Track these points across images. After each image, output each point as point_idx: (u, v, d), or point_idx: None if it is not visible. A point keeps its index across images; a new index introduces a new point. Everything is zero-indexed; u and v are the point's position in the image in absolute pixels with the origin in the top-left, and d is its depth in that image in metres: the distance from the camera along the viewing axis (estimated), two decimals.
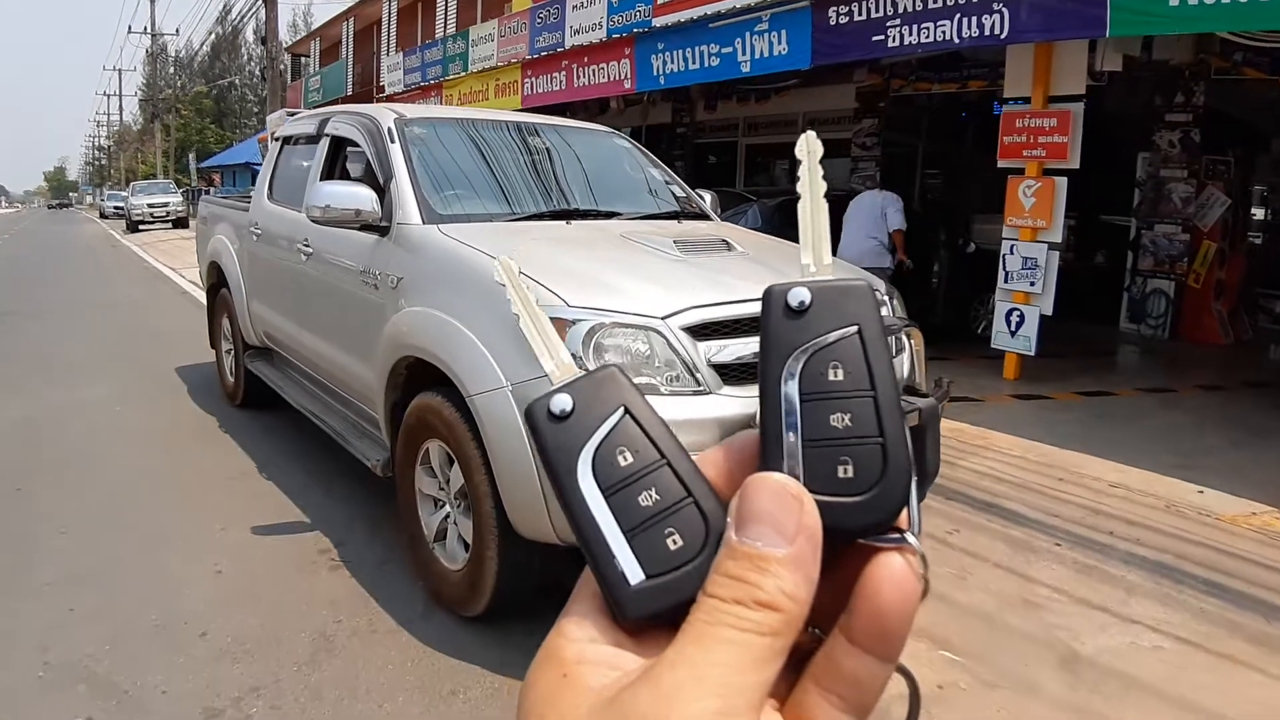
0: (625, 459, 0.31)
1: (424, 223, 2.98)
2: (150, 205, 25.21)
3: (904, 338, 2.73)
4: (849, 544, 0.29)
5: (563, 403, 0.31)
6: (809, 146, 0.33)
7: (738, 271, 2.73)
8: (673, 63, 8.35)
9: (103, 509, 3.74)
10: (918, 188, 11.28)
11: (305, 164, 4.07)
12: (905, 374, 2.77)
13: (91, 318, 9.05)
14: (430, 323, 2.63)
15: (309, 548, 3.33)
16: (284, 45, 28.88)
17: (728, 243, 3.01)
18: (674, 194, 3.91)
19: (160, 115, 45.04)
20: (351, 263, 3.26)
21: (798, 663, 0.29)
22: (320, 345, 3.71)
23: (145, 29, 43.92)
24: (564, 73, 9.75)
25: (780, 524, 0.28)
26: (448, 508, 2.78)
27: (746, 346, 2.40)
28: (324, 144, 3.91)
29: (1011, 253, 6.62)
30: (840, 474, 0.29)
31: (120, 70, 67.00)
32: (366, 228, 3.07)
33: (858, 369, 0.30)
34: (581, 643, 0.30)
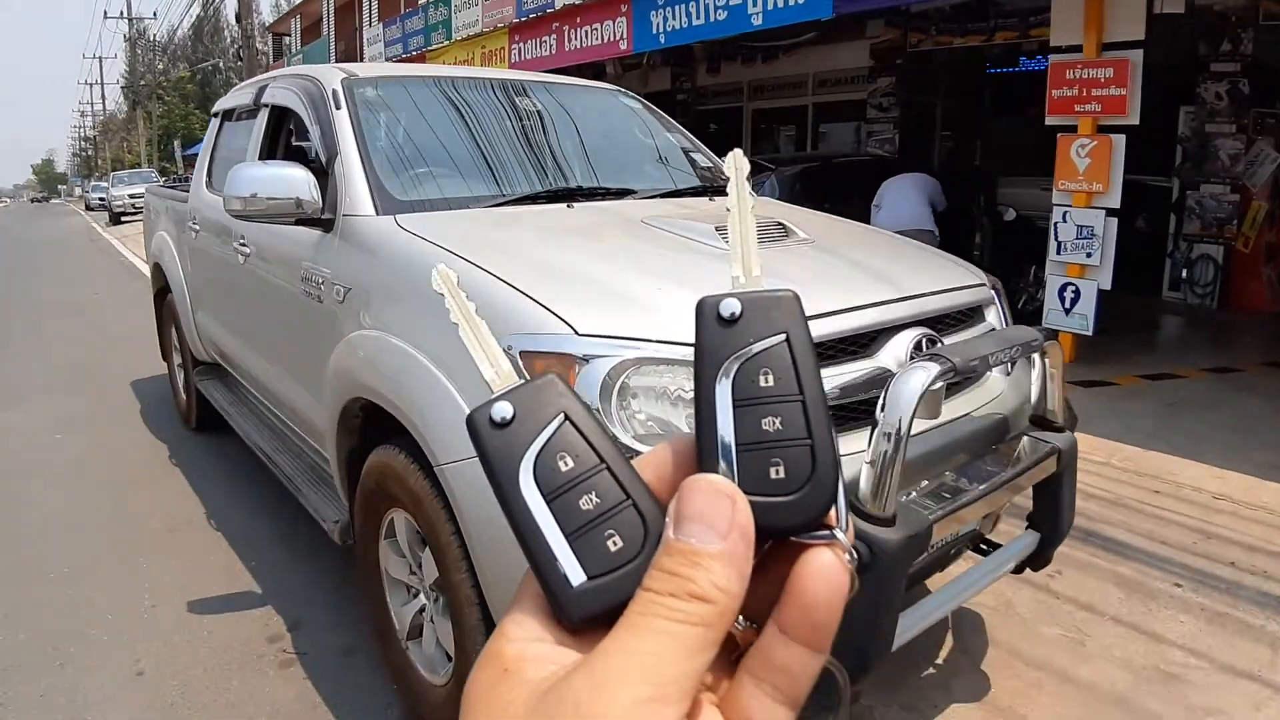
0: (566, 464, 0.31)
1: (379, 213, 2.25)
2: (132, 196, 24.28)
3: (1035, 356, 2.00)
4: (782, 541, 0.31)
5: (503, 410, 0.32)
6: (735, 164, 0.34)
7: (808, 268, 2.00)
8: (674, 19, 7.55)
9: (2, 579, 3.03)
10: (937, 150, 10.48)
11: (246, 144, 3.32)
12: (1036, 398, 2.04)
13: (49, 323, 8.32)
14: (386, 354, 1.91)
15: (257, 633, 2.63)
16: (265, 25, 27.90)
17: (784, 226, 2.27)
18: (698, 164, 3.16)
19: (142, 102, 43.92)
20: (291, 266, 2.52)
21: (734, 659, 0.31)
22: (265, 368, 2.99)
23: (121, 14, 42.76)
24: (554, 36, 8.95)
25: (714, 522, 0.29)
26: (422, 597, 2.07)
27: (840, 376, 1.68)
28: (263, 116, 3.17)
29: (1064, 221, 5.89)
30: (772, 475, 0.31)
31: (100, 58, 65.62)
32: (305, 221, 2.33)
33: (786, 375, 0.31)
34: (523, 641, 0.30)
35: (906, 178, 6.28)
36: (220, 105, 3.95)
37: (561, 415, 0.32)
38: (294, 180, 2.31)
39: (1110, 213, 5.69)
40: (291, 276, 2.53)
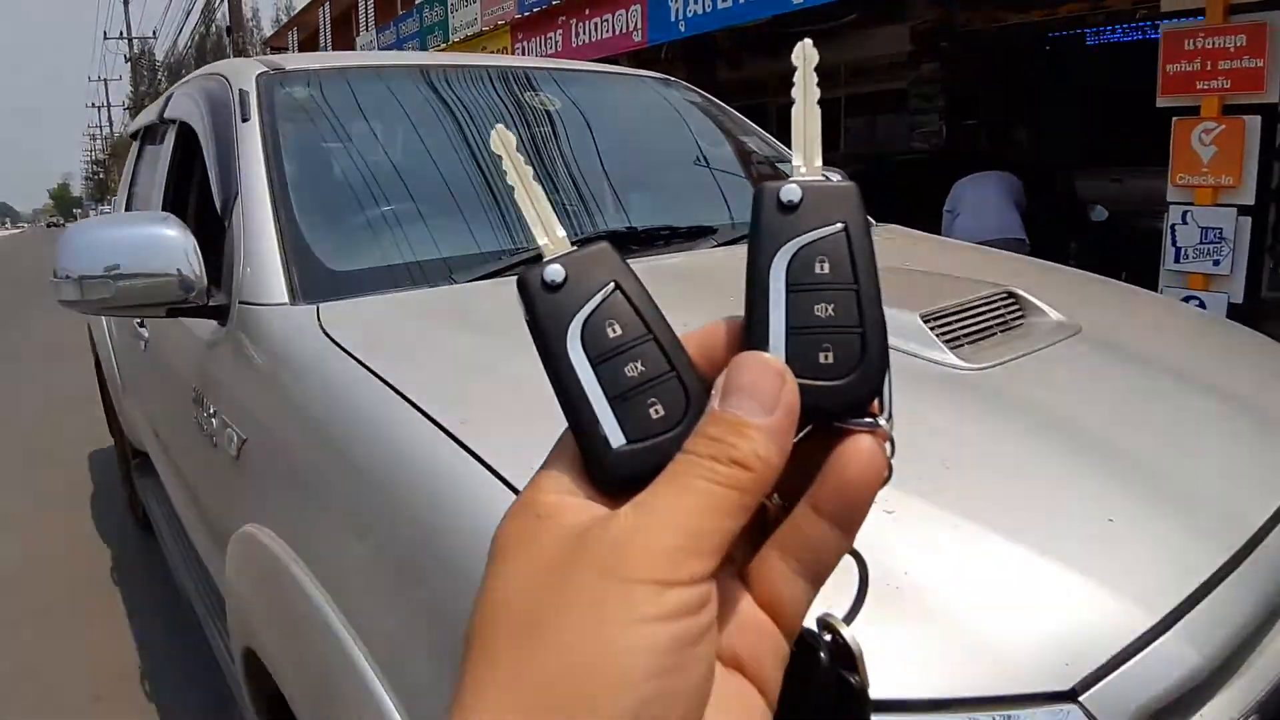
0: (614, 331, 0.31)
1: (295, 299, 1.32)
2: None
3: None
4: (825, 425, 0.31)
5: (555, 273, 0.32)
6: (805, 54, 0.33)
7: (1131, 415, 1.09)
8: (696, 3, 6.58)
9: None
10: (981, 140, 9.46)
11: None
12: None
13: (15, 369, 7.44)
14: (286, 602, 0.97)
15: None
16: (264, 39, 27.16)
17: (1016, 299, 1.36)
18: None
19: None
20: (183, 378, 1.58)
21: (761, 539, 0.31)
22: (182, 505, 2.05)
23: (121, 34, 42.19)
24: (560, 31, 8.03)
25: (762, 396, 0.29)
26: None
27: None
28: (170, 137, 2.22)
29: (1184, 222, 4.89)
30: (821, 359, 0.30)
31: (105, 80, 65.24)
32: (179, 311, 1.39)
33: (842, 264, 0.31)
34: (556, 493, 0.30)
35: (986, 177, 5.28)
36: (136, 123, 3.02)
37: (612, 284, 0.32)
38: (164, 245, 1.37)
39: (1243, 211, 4.70)
40: (184, 395, 1.59)
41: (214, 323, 1.47)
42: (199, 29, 38.25)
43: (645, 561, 0.26)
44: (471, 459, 0.83)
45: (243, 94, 1.68)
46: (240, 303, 1.37)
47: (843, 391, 0.30)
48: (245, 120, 1.62)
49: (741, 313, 0.32)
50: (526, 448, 0.81)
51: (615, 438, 0.30)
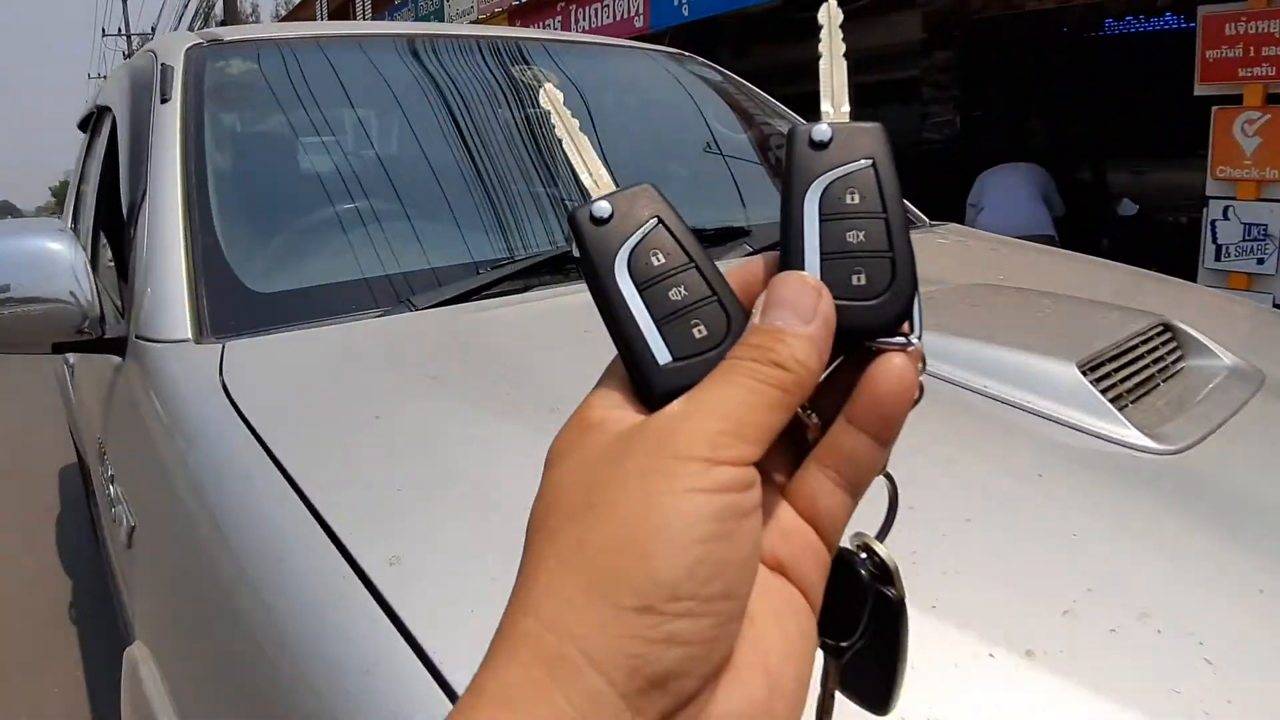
0: (658, 259, 0.33)
1: (201, 335, 1.02)
2: None
3: None
4: (856, 349, 0.32)
5: (602, 209, 0.34)
6: (830, 12, 0.36)
7: None
8: None
9: None
10: (997, 132, 9.11)
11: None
12: None
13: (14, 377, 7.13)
14: None
15: None
16: None
17: (1173, 332, 1.07)
18: None
19: None
20: (93, 420, 1.27)
21: (802, 460, 0.33)
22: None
23: (120, 30, 41.72)
24: (559, 16, 7.69)
25: (800, 308, 0.31)
26: None
27: None
28: (104, 128, 1.91)
29: (1226, 218, 4.59)
30: (854, 282, 0.32)
31: (104, 77, 64.74)
32: (66, 345, 1.08)
33: (871, 195, 0.33)
34: (606, 408, 0.32)
35: (1012, 169, 4.98)
36: (83, 113, 2.70)
37: (655, 218, 0.34)
38: (46, 262, 1.06)
39: None
40: (95, 443, 1.28)
41: (118, 358, 1.16)
42: (196, 25, 37.92)
43: (693, 441, 0.28)
44: (398, 635, 0.52)
45: (165, 70, 1.37)
46: (136, 337, 1.06)
47: (875, 311, 0.32)
48: (165, 101, 1.30)
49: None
50: (476, 618, 0.52)
51: (662, 355, 0.32)
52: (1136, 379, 0.99)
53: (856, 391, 0.31)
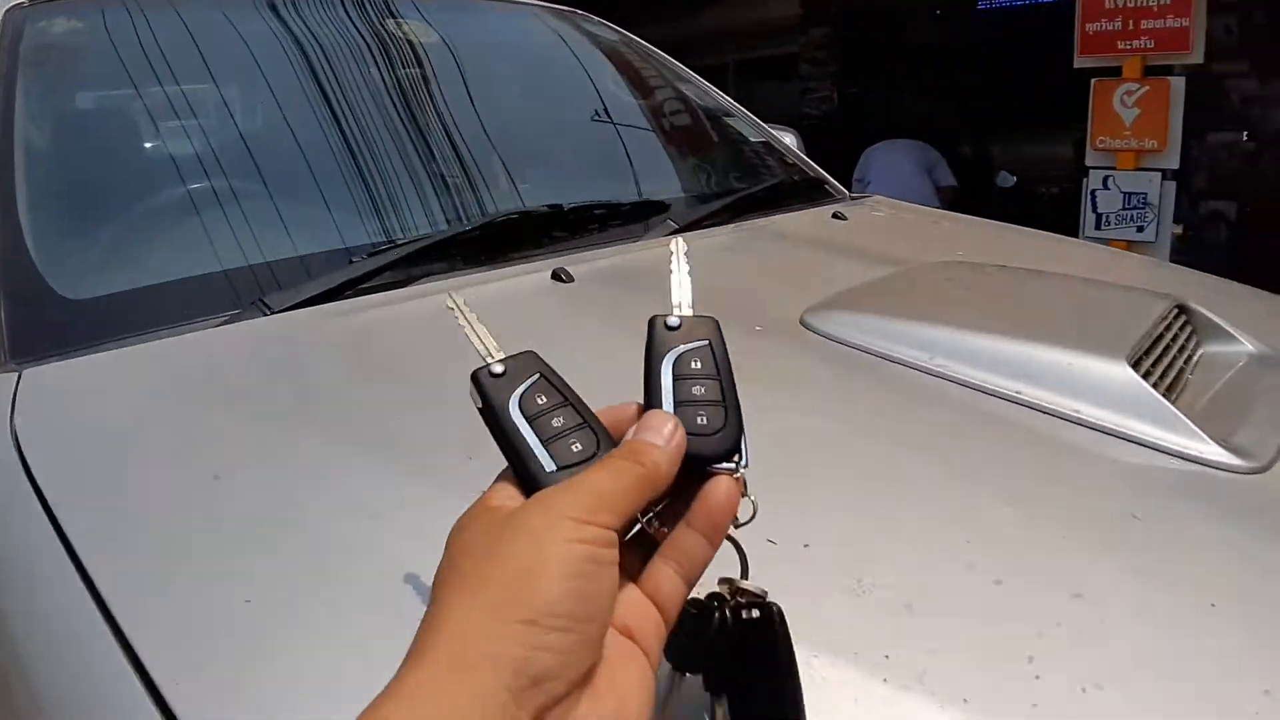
0: (540, 400, 0.43)
1: (4, 358, 0.72)
2: None
3: None
4: (700, 468, 0.41)
5: (498, 369, 0.44)
6: (678, 245, 0.51)
7: None
8: None
9: None
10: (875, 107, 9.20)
11: None
12: None
13: None
14: None
15: None
16: None
17: (1186, 313, 0.89)
18: (747, 140, 1.69)
19: None
20: None
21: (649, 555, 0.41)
22: None
23: None
24: None
25: (662, 433, 0.41)
26: None
27: None
28: None
29: (1106, 187, 4.64)
30: (698, 421, 0.42)
31: None
32: None
33: (709, 363, 0.44)
34: (505, 499, 0.40)
35: (896, 145, 5.00)
36: None
37: (538, 374, 0.44)
38: None
39: (1168, 175, 4.48)
40: None
41: None
42: None
43: (572, 506, 0.37)
44: None
45: None
46: None
47: (713, 443, 0.42)
48: None
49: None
50: None
51: (548, 464, 0.41)
52: (1172, 373, 0.82)
53: (695, 503, 0.41)
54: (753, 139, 1.70)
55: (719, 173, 1.64)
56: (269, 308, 0.91)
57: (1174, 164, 4.48)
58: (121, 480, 0.62)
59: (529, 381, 0.43)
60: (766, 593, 0.41)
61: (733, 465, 0.41)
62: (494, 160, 1.30)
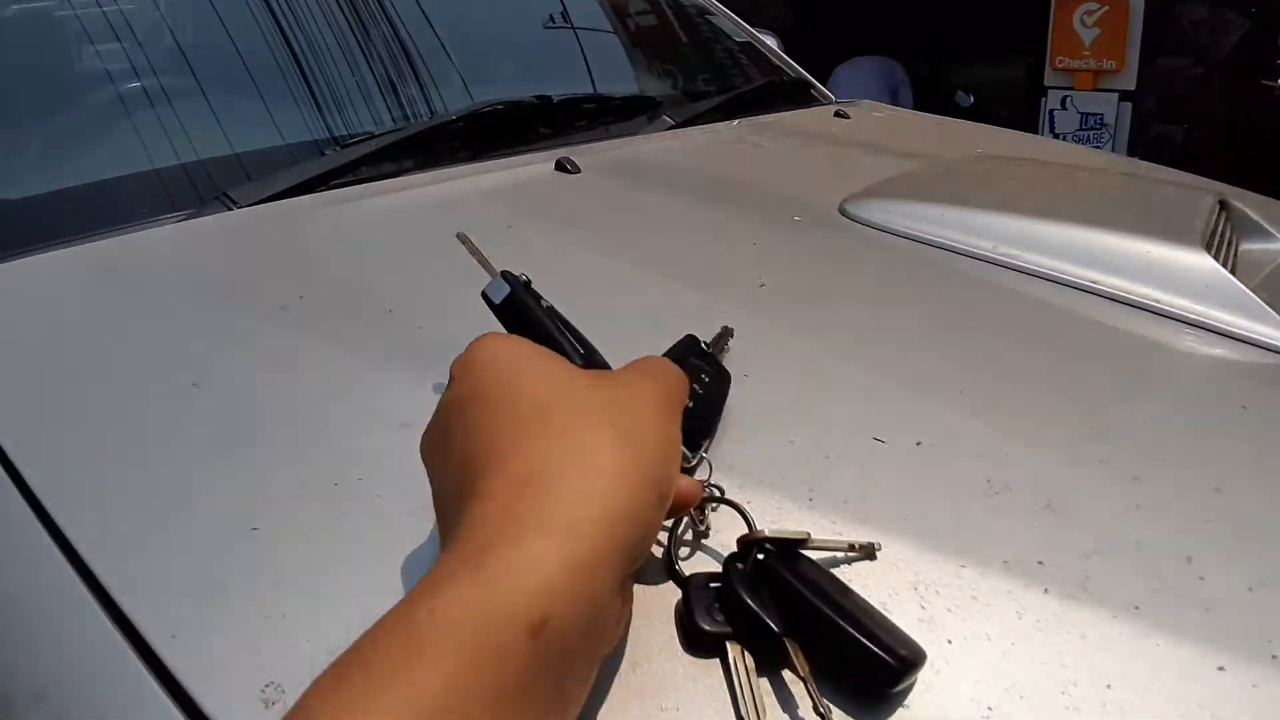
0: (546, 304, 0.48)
1: None
2: None
3: None
4: None
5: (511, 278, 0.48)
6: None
7: None
8: None
9: None
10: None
11: None
12: None
13: None
14: None
15: None
16: None
17: (1227, 211, 0.86)
18: (728, 44, 1.58)
19: None
20: None
21: None
22: None
23: None
24: None
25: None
26: None
27: None
28: None
29: (1063, 107, 4.65)
30: None
31: None
32: None
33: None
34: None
35: (862, 62, 4.90)
36: None
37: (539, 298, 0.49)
38: None
39: (1125, 96, 4.48)
40: None
41: None
42: None
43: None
44: None
45: None
46: None
47: None
48: None
49: None
50: None
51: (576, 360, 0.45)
52: (1229, 265, 0.76)
53: None
54: (737, 39, 1.59)
55: (707, 71, 1.54)
56: (234, 202, 0.80)
57: (1131, 85, 4.48)
58: (78, 395, 0.52)
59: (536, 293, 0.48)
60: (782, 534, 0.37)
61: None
62: (480, 54, 1.18)
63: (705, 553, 0.39)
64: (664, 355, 0.43)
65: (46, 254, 0.67)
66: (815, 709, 0.31)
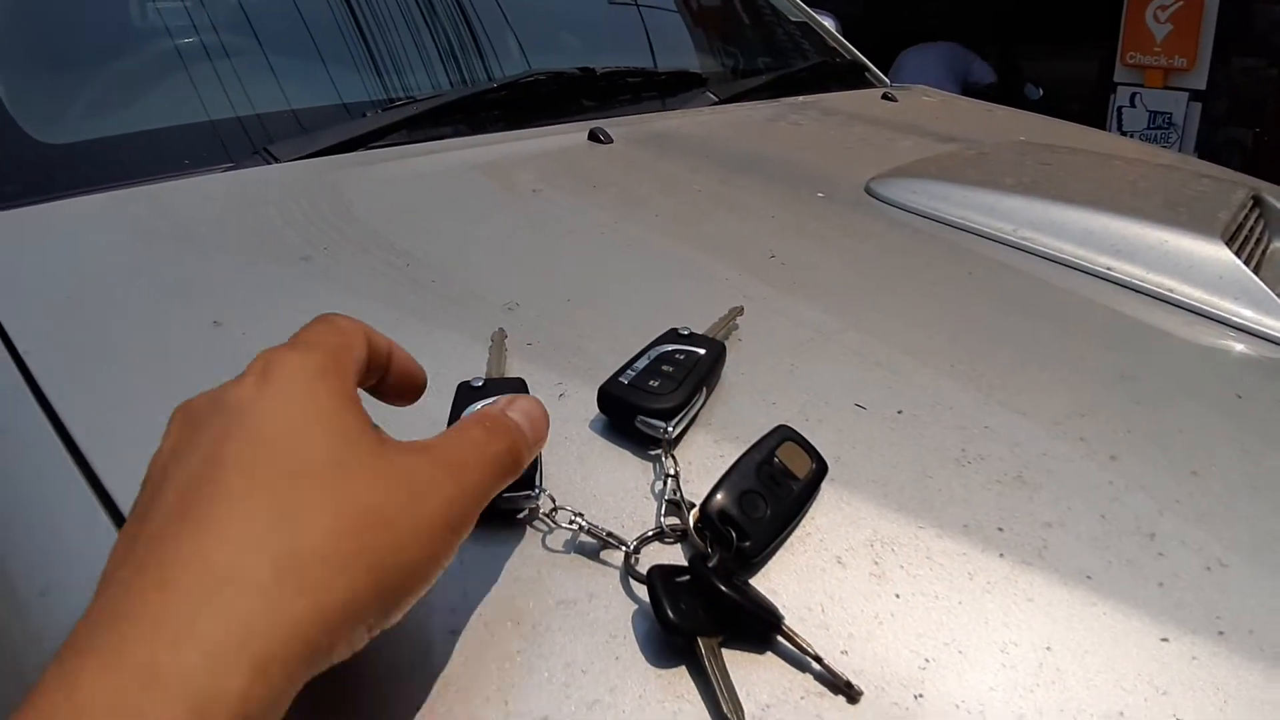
0: None
1: None
2: None
3: None
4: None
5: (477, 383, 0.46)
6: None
7: None
8: None
9: None
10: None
11: None
12: None
13: None
14: None
15: None
16: None
17: (1260, 206, 0.85)
18: (782, 23, 1.58)
19: None
20: None
21: None
22: None
23: None
24: None
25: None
26: None
27: None
28: None
29: (1132, 105, 4.52)
30: None
31: None
32: None
33: None
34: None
35: (928, 49, 4.78)
36: None
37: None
38: None
39: (1195, 96, 4.34)
40: None
41: None
42: None
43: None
44: None
45: None
46: None
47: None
48: None
49: None
50: None
51: None
52: (1254, 259, 0.75)
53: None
54: (792, 19, 1.59)
55: (758, 49, 1.54)
56: (274, 157, 0.83)
57: (1201, 85, 4.34)
58: (103, 327, 0.55)
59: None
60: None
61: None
62: (541, 25, 1.20)
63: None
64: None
65: (87, 197, 0.71)
66: (839, 685, 0.32)
